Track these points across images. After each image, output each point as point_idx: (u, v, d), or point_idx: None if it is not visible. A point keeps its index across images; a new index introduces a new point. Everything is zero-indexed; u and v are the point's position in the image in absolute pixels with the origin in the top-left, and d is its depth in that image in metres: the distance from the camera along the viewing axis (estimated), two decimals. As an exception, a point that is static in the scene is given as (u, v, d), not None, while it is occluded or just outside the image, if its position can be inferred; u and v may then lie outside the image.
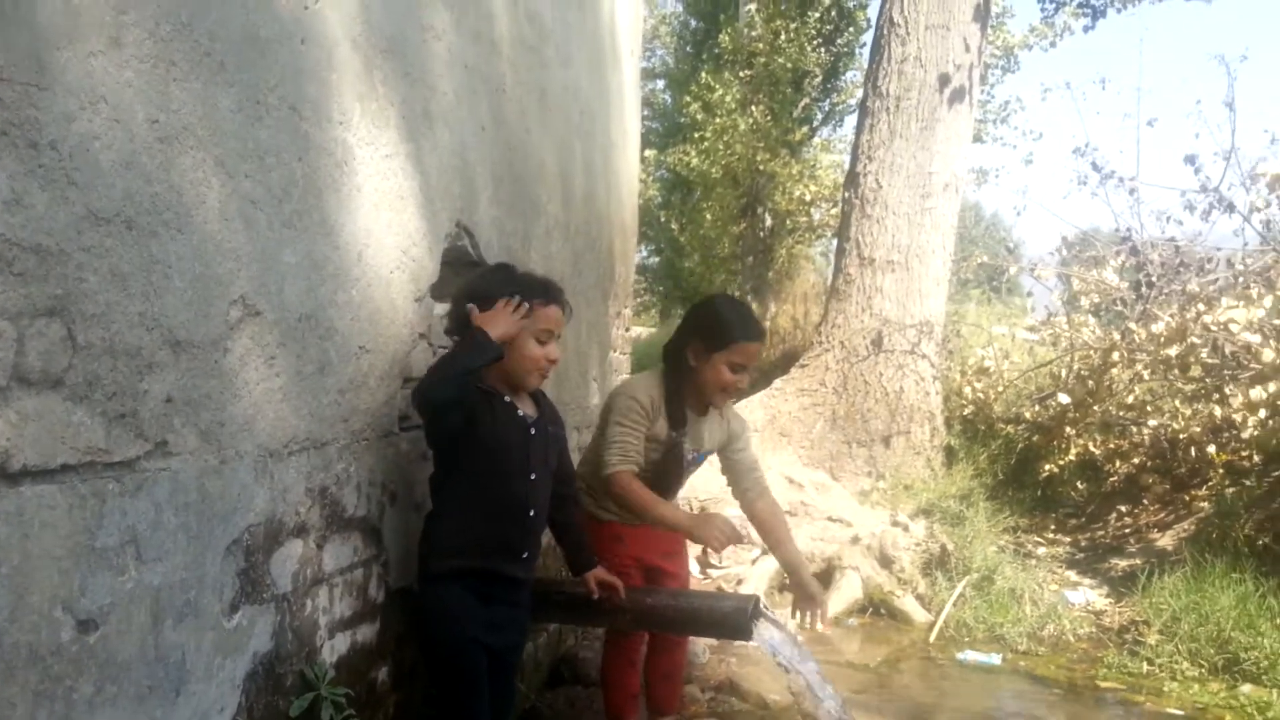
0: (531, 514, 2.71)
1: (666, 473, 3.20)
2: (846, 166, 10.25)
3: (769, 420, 8.31)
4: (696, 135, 16.39)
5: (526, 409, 2.73)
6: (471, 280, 2.76)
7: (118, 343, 1.61)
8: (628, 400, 3.16)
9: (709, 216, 16.63)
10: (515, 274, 2.75)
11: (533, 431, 2.71)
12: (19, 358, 1.42)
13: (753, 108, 15.83)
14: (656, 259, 21.60)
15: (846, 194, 8.89)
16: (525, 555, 2.73)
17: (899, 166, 8.40)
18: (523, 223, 3.73)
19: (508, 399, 2.67)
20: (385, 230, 2.58)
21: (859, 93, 12.73)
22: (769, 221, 16.29)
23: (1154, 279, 7.79)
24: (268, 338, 2.05)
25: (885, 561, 6.00)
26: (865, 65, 10.86)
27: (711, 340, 3.11)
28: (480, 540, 2.60)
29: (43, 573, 1.47)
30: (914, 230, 8.36)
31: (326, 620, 2.32)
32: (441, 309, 2.97)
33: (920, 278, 8.38)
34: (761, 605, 3.01)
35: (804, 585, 3.28)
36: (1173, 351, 6.77)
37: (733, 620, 2.97)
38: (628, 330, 5.99)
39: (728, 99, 15.77)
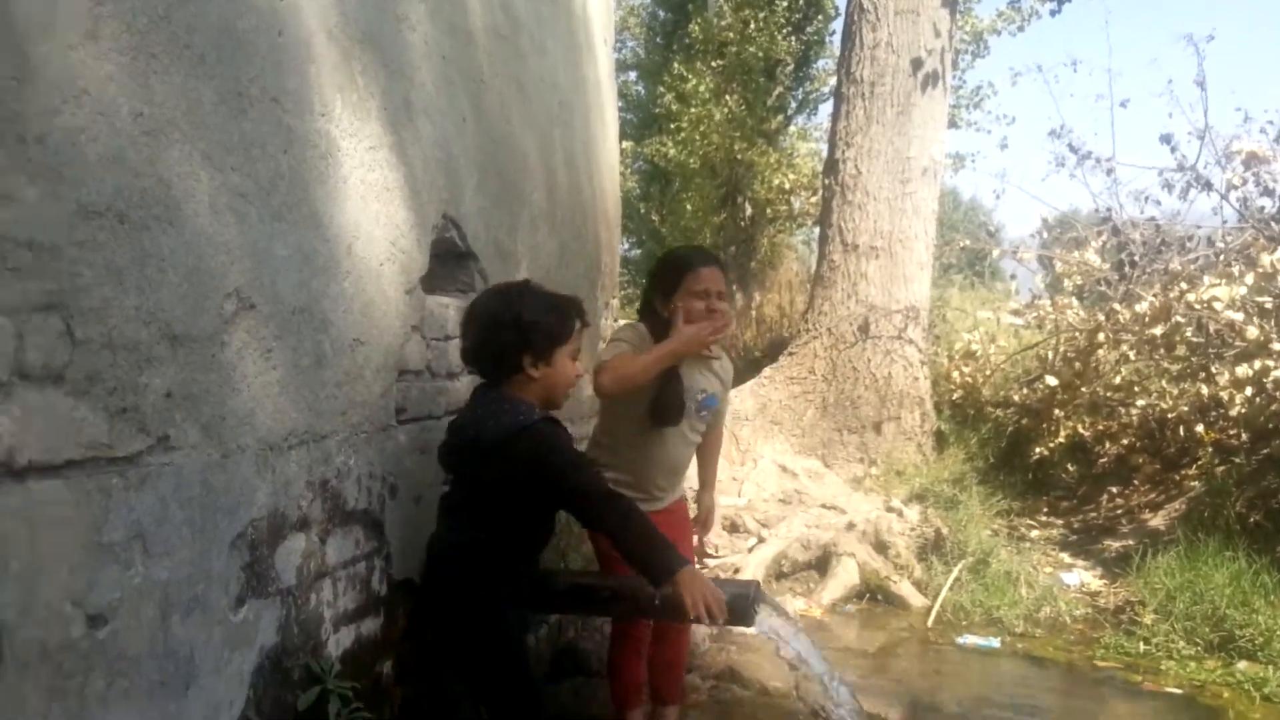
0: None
1: (667, 406, 3.14)
2: (824, 154, 10.25)
3: (759, 409, 8.32)
4: (672, 126, 16.34)
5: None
6: (519, 317, 2.55)
7: (116, 337, 1.59)
8: (617, 332, 3.31)
9: (689, 207, 16.58)
10: (550, 299, 2.64)
11: None
12: (19, 353, 1.40)
13: (727, 97, 15.79)
14: (638, 251, 21.55)
15: (826, 181, 8.91)
16: None
17: (877, 152, 8.41)
18: (508, 214, 3.71)
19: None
20: (373, 223, 2.56)
21: (831, 80, 12.73)
22: (749, 211, 16.24)
23: (1136, 259, 7.82)
24: (263, 331, 2.03)
25: (880, 547, 6.01)
26: (836, 53, 10.84)
27: (668, 285, 3.14)
28: (533, 554, 2.68)
29: (52, 569, 1.46)
30: (895, 215, 8.38)
31: (331, 614, 2.31)
32: (434, 302, 2.96)
33: (904, 263, 8.40)
34: (761, 591, 3.01)
35: (703, 507, 3.55)
36: (1157, 331, 6.80)
37: (735, 607, 2.95)
38: (615, 321, 5.98)
39: (701, 89, 15.72)
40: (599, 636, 3.96)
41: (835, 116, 8.91)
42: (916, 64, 8.33)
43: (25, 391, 1.41)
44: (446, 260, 3.11)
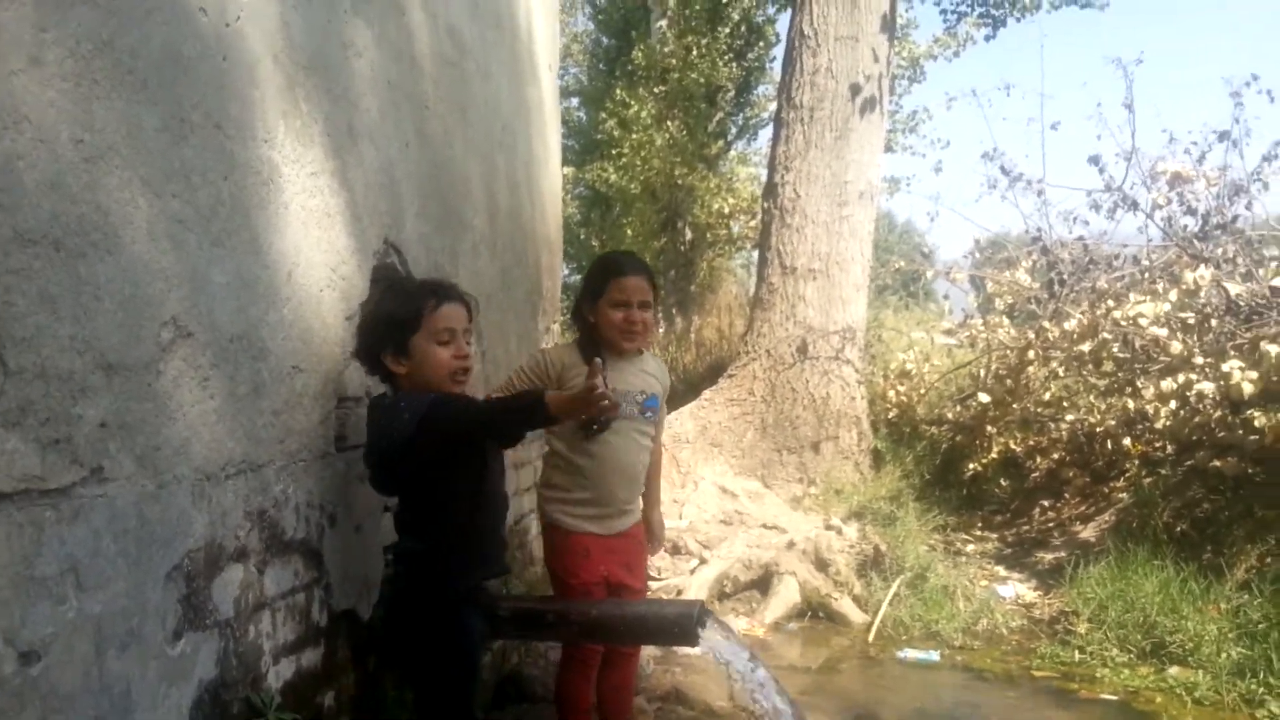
0: (506, 509, 2.76)
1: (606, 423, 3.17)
2: (763, 179, 10.37)
3: (700, 431, 8.36)
4: (614, 152, 16.46)
5: None
6: (372, 313, 2.62)
7: (49, 367, 1.57)
8: (535, 354, 3.31)
9: (629, 232, 16.71)
10: (405, 288, 2.70)
11: None
12: (-52, 384, 1.38)
13: (668, 123, 15.96)
14: (578, 276, 21.61)
15: (766, 204, 9.01)
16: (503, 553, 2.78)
17: (815, 176, 8.53)
18: (450, 239, 3.71)
19: None
20: (314, 248, 2.55)
21: (771, 106, 12.89)
22: (689, 235, 16.40)
23: (1065, 277, 7.99)
24: (200, 359, 2.01)
25: (821, 565, 6.06)
26: (776, 79, 10.96)
27: (593, 290, 3.18)
28: (484, 551, 2.61)
29: (-19, 604, 1.43)
30: (833, 238, 8.50)
31: (270, 645, 2.28)
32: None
33: (841, 285, 8.51)
34: (706, 611, 3.02)
35: (652, 525, 3.47)
36: (1085, 347, 6.95)
37: (679, 626, 2.95)
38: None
39: (643, 115, 15.87)
40: (543, 663, 3.94)
41: (775, 141, 9.01)
42: (855, 89, 8.48)
43: (-45, 424, 1.38)
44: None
